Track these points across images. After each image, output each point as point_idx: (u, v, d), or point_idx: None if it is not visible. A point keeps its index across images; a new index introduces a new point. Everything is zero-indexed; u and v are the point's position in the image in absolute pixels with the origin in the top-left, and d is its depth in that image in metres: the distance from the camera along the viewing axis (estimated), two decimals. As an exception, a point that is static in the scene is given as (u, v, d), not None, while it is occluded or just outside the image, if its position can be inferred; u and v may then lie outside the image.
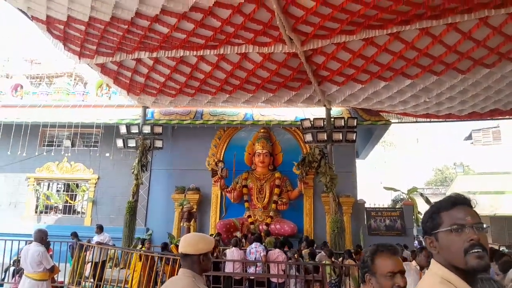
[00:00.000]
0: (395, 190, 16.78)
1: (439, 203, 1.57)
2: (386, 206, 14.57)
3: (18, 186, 14.95)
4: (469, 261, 1.40)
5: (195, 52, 8.55)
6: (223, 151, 13.79)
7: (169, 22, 7.68)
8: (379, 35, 7.35)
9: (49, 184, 15.52)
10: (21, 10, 7.78)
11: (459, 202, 1.53)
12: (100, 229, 10.26)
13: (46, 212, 15.08)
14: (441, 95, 9.30)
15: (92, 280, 9.20)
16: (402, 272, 1.93)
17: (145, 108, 12.12)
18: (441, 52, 7.74)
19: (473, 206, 1.54)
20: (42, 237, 5.79)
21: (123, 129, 11.79)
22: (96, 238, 10.01)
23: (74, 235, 9.96)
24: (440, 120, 11.92)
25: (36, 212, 14.96)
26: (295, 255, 8.80)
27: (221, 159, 13.32)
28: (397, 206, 16.43)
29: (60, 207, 15.30)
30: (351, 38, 7.50)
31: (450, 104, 9.87)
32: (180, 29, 7.85)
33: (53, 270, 5.75)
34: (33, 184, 14.99)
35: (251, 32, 7.82)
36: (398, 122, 12.68)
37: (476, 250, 1.40)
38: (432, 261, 1.55)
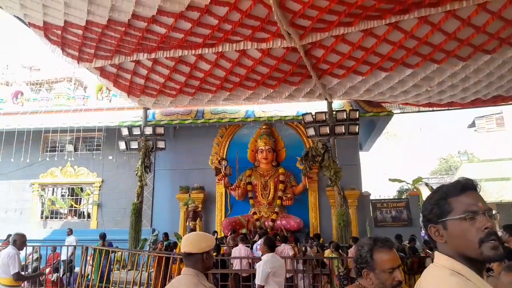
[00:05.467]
0: (400, 181, 16.70)
1: (446, 188, 1.43)
2: (391, 197, 14.53)
3: (23, 192, 15.00)
4: (484, 251, 1.31)
5: (193, 51, 8.51)
6: (225, 149, 13.77)
7: (166, 22, 7.65)
8: (378, 25, 7.28)
9: (53, 189, 15.56)
10: (18, 18, 7.77)
11: (469, 187, 1.41)
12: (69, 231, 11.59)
13: (51, 217, 15.13)
14: (442, 83, 9.21)
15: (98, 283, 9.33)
16: (400, 266, 1.96)
17: (146, 109, 12.10)
18: (441, 40, 7.67)
19: (479, 191, 1.42)
20: (15, 240, 5.49)
21: (125, 132, 11.79)
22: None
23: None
24: (443, 108, 11.82)
25: (42, 217, 15.00)
26: (303, 248, 8.81)
27: (224, 157, 13.31)
28: (403, 197, 16.38)
29: (66, 211, 15.35)
30: (350, 30, 7.44)
31: (452, 92, 9.79)
32: (177, 28, 7.81)
33: (17, 277, 5.35)
34: (38, 190, 15.03)
35: (249, 29, 7.77)
36: (401, 113, 12.58)
37: (492, 240, 1.31)
38: (436, 253, 1.44)
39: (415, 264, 7.98)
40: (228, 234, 11.00)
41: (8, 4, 7.28)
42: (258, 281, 4.72)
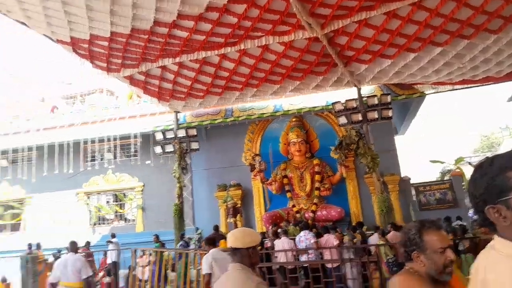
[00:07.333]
0: (441, 162, 16.20)
1: (502, 161, 1.23)
2: (434, 179, 14.15)
3: (70, 202, 15.67)
4: None
5: (216, 52, 8.58)
6: (258, 144, 13.80)
7: (187, 25, 7.74)
8: (401, 6, 7.06)
9: (98, 197, 16.18)
10: (46, 36, 8.10)
11: None
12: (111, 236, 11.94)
13: (99, 224, 15.75)
14: (475, 59, 8.78)
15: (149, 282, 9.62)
16: (451, 246, 1.93)
17: (176, 113, 12.31)
18: (469, 15, 7.31)
19: None
20: (77, 248, 6.34)
21: (159, 136, 12.08)
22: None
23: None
24: (478, 84, 11.30)
25: (90, 224, 15.64)
26: (354, 239, 8.68)
27: (257, 153, 13.34)
28: (446, 178, 15.90)
29: (112, 217, 15.93)
30: (372, 14, 7.26)
31: (486, 67, 9.31)
32: (198, 31, 7.89)
33: (93, 277, 6.14)
34: (83, 199, 15.67)
35: (269, 23, 7.74)
36: (434, 93, 12.15)
37: None
38: (498, 239, 1.26)
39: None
40: (269, 228, 11.09)
41: (36, 24, 7.60)
42: (204, 271, 5.59)
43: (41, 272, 11.20)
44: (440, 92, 12.12)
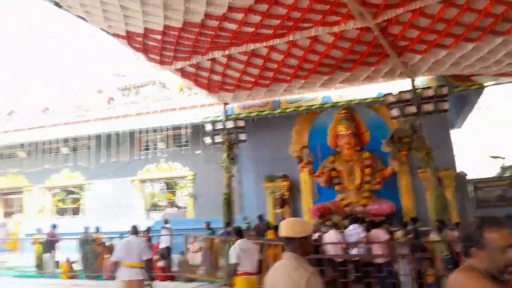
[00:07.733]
0: (502, 158, 15.27)
1: None
2: (494, 175, 13.42)
3: (125, 189, 16.46)
4: None
5: (265, 43, 8.58)
6: (306, 136, 13.67)
7: (237, 18, 7.79)
8: (459, -6, 6.70)
9: (151, 185, 16.86)
10: (104, 30, 8.48)
11: None
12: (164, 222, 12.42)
13: (153, 210, 16.44)
14: (541, 47, 8.16)
15: (203, 267, 9.91)
16: None
17: (225, 104, 12.46)
18: (536, 0, 6.81)
19: None
20: (137, 231, 6.88)
21: (208, 127, 12.34)
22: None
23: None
24: (544, 75, 10.48)
25: (144, 210, 16.36)
26: (408, 235, 8.50)
27: (305, 145, 13.25)
28: (507, 174, 15.03)
29: (165, 204, 16.58)
30: (427, 2, 6.94)
31: (553, 57, 8.64)
32: (248, 23, 7.91)
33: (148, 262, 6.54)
34: (138, 186, 16.40)
35: (319, 14, 7.62)
36: (494, 84, 11.39)
37: None
38: None
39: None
40: (317, 220, 11.08)
41: (94, 19, 7.97)
42: (231, 261, 5.99)
43: (99, 254, 11.92)
44: (501, 83, 11.37)
